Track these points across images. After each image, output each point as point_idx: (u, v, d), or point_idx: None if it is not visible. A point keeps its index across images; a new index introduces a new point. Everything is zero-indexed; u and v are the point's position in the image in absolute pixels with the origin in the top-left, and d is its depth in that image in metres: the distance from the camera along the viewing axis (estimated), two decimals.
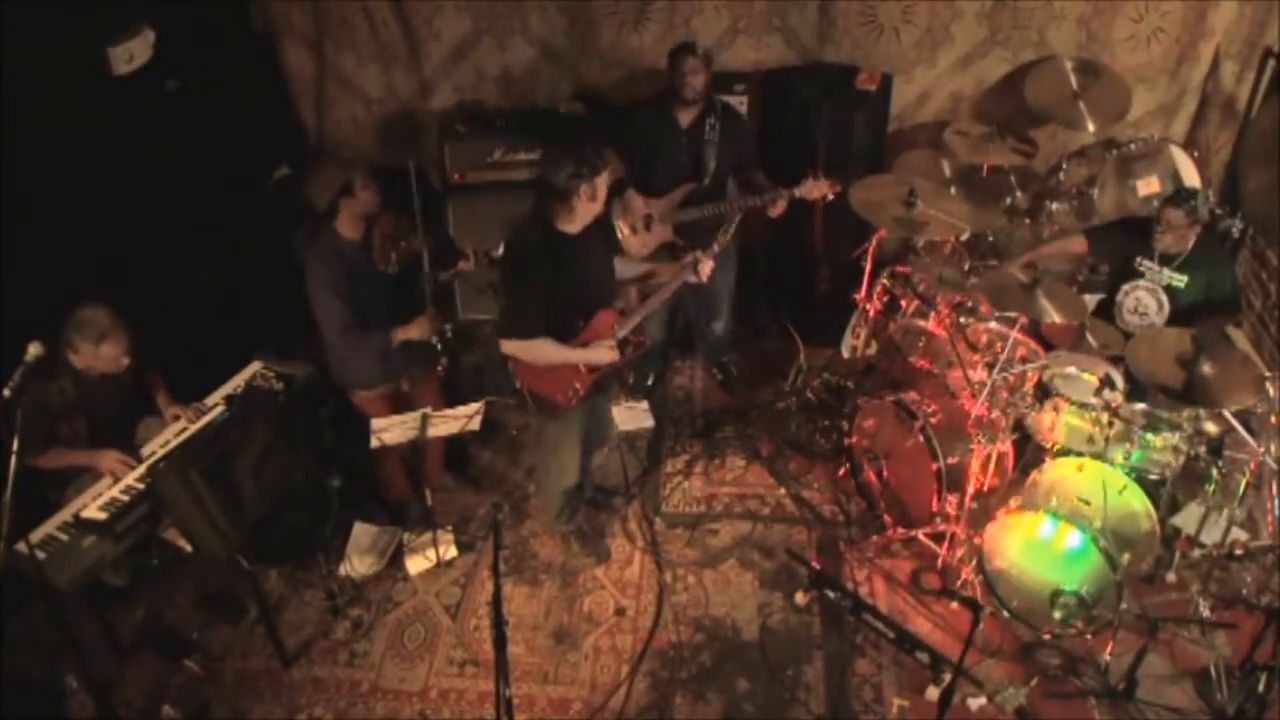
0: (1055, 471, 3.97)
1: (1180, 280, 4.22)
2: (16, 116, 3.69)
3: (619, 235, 4.66)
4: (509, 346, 3.67)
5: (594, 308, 3.75)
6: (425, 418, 4.00)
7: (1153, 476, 3.90)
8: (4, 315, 3.57)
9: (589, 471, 4.51)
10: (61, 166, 3.90)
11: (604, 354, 3.76)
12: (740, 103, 5.05)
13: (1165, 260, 4.24)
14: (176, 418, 3.94)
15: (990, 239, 5.10)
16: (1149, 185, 4.88)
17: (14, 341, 3.20)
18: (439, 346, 4.12)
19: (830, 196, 4.48)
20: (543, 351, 3.65)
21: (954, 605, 4.10)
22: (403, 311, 4.05)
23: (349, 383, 4.19)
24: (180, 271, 4.62)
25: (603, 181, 3.53)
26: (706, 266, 3.84)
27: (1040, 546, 3.82)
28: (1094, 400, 3.87)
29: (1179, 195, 4.21)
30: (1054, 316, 3.92)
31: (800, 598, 4.18)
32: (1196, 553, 4.09)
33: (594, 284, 3.76)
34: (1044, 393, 3.97)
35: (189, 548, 3.72)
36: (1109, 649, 3.82)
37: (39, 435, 3.57)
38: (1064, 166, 5.02)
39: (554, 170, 3.45)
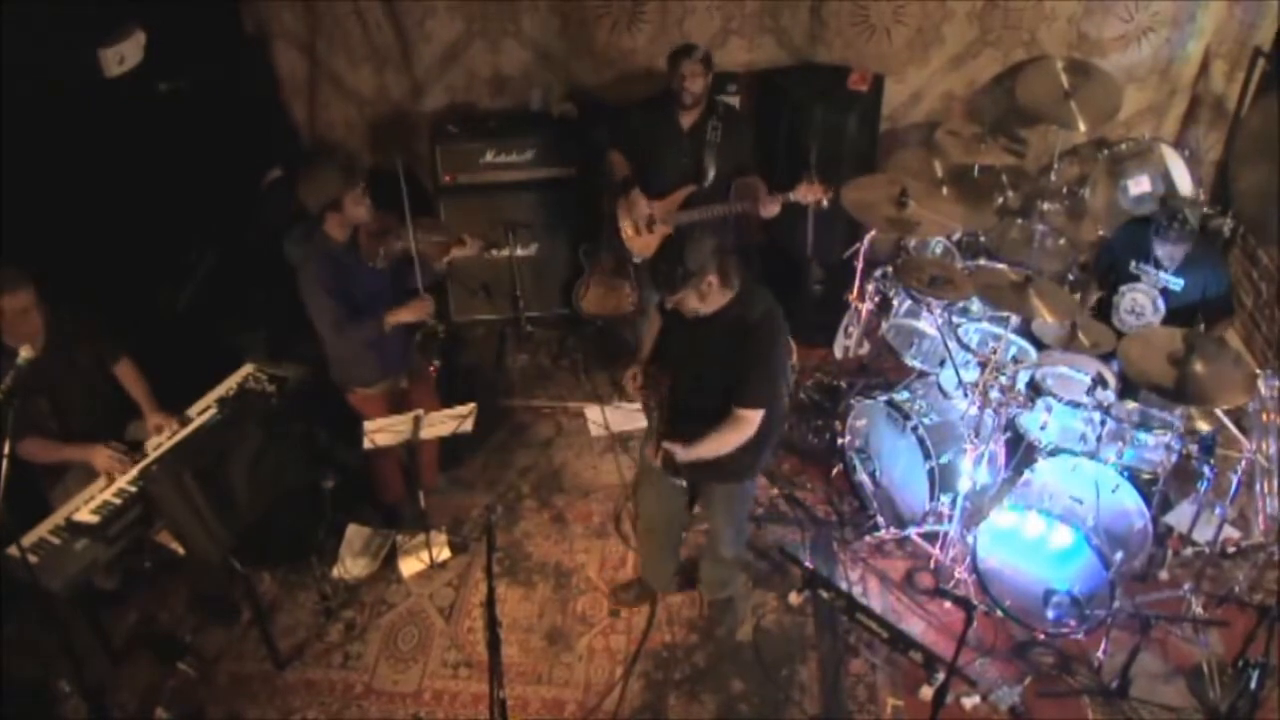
0: (1048, 470, 3.98)
1: (1177, 284, 4.24)
2: (10, 117, 3.67)
3: (623, 235, 4.66)
4: None
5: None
6: (417, 419, 4.00)
7: (1145, 475, 3.91)
8: None
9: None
10: (54, 168, 3.88)
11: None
12: (733, 103, 5.05)
13: (1161, 264, 4.26)
14: (159, 428, 3.84)
15: (982, 239, 5.11)
16: (1140, 185, 4.90)
17: None
18: (439, 332, 4.21)
19: (824, 203, 4.47)
20: None
21: (947, 605, 4.10)
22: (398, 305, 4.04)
23: (349, 381, 4.16)
24: (172, 273, 4.61)
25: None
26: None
27: (1033, 546, 3.83)
28: (1086, 399, 3.88)
29: (1163, 226, 4.12)
30: (1046, 316, 3.93)
31: (794, 598, 4.18)
32: (1189, 551, 4.12)
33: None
34: (1036, 392, 3.98)
35: (182, 550, 3.71)
36: (1102, 647, 3.83)
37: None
38: (1056, 166, 5.03)
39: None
